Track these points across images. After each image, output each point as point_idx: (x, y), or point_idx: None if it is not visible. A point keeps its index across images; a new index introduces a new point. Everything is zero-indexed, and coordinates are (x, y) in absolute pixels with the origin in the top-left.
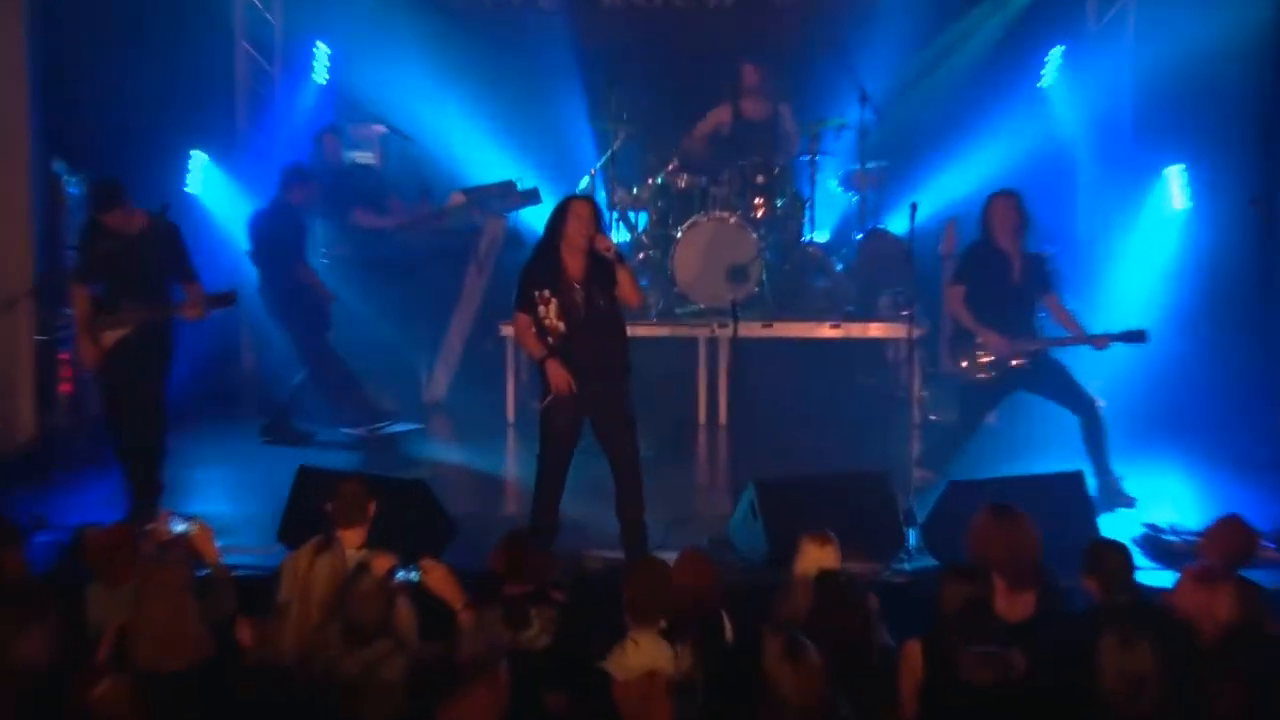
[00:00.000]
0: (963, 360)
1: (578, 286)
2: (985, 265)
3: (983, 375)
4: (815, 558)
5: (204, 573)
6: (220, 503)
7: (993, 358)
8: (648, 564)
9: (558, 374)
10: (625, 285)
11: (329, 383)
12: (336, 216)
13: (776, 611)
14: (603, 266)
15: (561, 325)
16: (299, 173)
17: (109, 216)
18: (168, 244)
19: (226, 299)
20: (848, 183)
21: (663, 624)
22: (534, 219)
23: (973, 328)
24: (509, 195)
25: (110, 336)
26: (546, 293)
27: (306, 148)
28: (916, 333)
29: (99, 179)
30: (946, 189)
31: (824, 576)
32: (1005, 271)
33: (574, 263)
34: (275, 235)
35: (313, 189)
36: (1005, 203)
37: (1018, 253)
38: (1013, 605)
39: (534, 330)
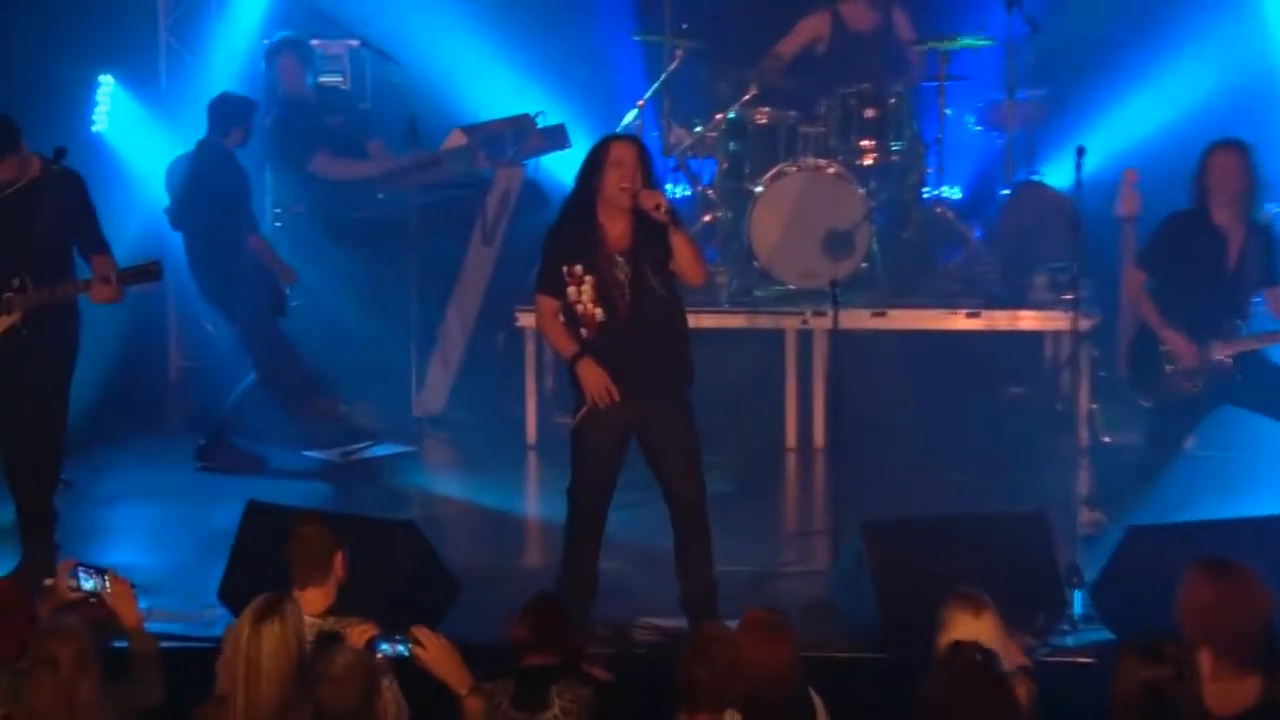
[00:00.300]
0: (1162, 367)
1: (621, 260)
2: (1190, 244)
3: (1188, 385)
4: (967, 630)
5: (120, 645)
6: (142, 551)
7: (1192, 366)
8: (710, 635)
9: (594, 378)
10: (683, 256)
11: (286, 389)
12: (293, 163)
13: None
14: (654, 233)
15: (599, 313)
16: (234, 106)
17: None
18: (69, 201)
19: (148, 271)
20: (990, 119)
21: (733, 716)
22: (561, 168)
23: (1155, 326)
24: (526, 135)
25: None
26: (579, 268)
27: (254, 72)
28: (1085, 324)
29: None
30: (1125, 128)
31: (955, 653)
32: (1219, 254)
33: (616, 228)
34: (207, 189)
35: (252, 128)
36: (1227, 158)
37: (1239, 228)
38: (1228, 693)
39: (562, 319)
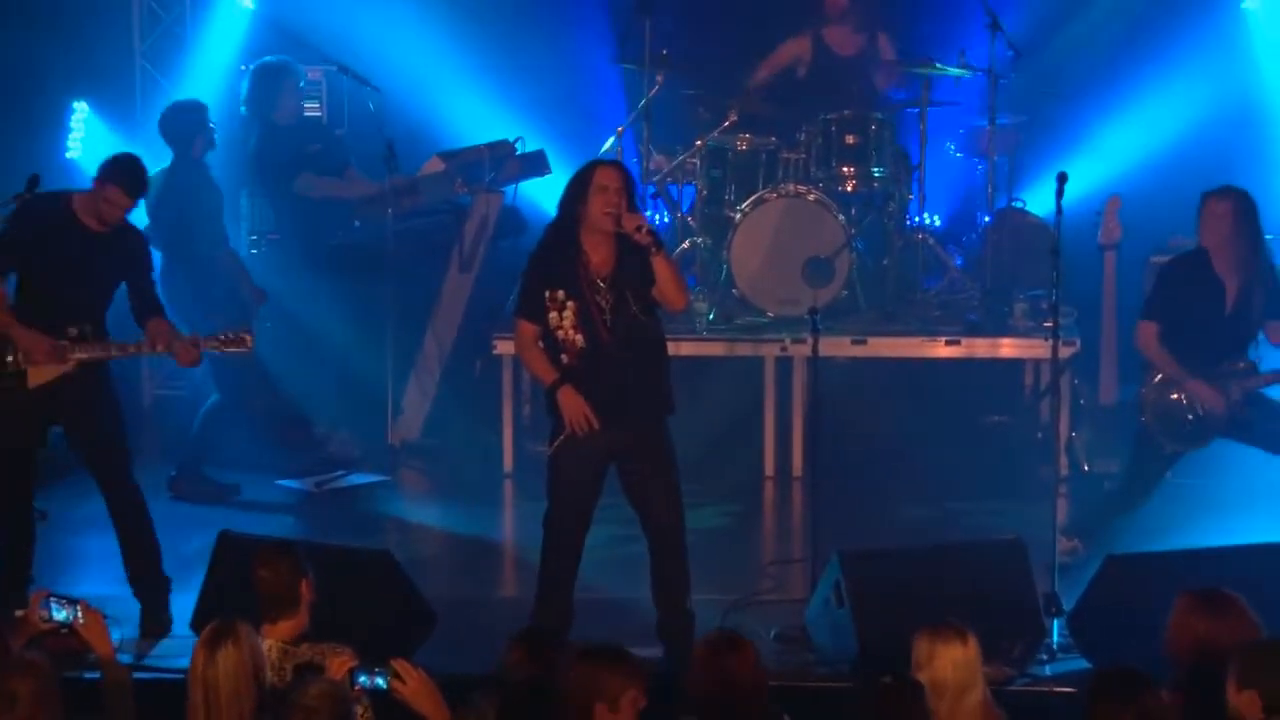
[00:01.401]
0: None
1: (603, 285)
2: (1188, 290)
3: (1216, 429)
4: (952, 659)
5: (92, 676)
6: (114, 582)
7: (1219, 412)
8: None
9: (574, 406)
10: (664, 280)
11: (256, 415)
12: (273, 186)
13: None
14: (637, 259)
15: (580, 339)
16: (184, 115)
17: (88, 202)
18: (136, 256)
19: (240, 340)
20: (971, 145)
21: None
22: (541, 194)
23: (1176, 376)
24: (506, 161)
25: (40, 374)
26: (561, 294)
27: (230, 97)
28: (1065, 352)
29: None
30: (1107, 155)
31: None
32: (1216, 299)
33: (599, 253)
34: (177, 205)
35: (211, 130)
36: (1218, 206)
37: (1237, 273)
38: None
39: (542, 345)
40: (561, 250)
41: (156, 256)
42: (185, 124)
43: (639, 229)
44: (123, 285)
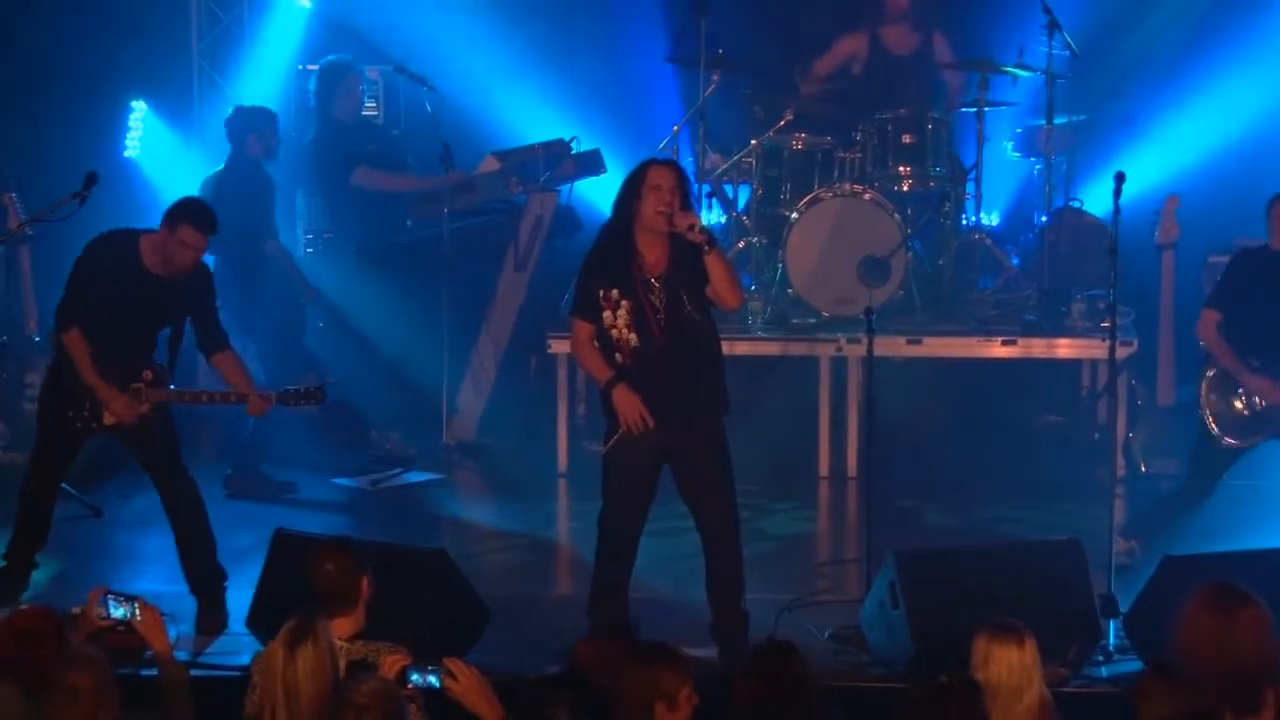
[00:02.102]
0: (1230, 402)
1: (657, 285)
2: (1254, 281)
3: (1231, 441)
4: (1010, 661)
5: (149, 673)
6: (171, 580)
7: (1260, 409)
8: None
9: (629, 404)
10: (719, 279)
11: (312, 412)
12: (329, 182)
13: None
14: (691, 258)
15: (634, 338)
16: (245, 114)
17: (157, 246)
18: (200, 293)
19: (312, 395)
20: (1028, 145)
21: None
22: (596, 193)
23: (1231, 367)
24: (561, 160)
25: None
26: (615, 293)
27: (288, 96)
28: (1123, 352)
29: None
30: (1165, 153)
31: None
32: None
33: (653, 252)
34: (232, 201)
35: (271, 134)
36: None
37: None
38: None
39: (597, 345)
40: (615, 250)
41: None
42: (243, 121)
43: (691, 228)
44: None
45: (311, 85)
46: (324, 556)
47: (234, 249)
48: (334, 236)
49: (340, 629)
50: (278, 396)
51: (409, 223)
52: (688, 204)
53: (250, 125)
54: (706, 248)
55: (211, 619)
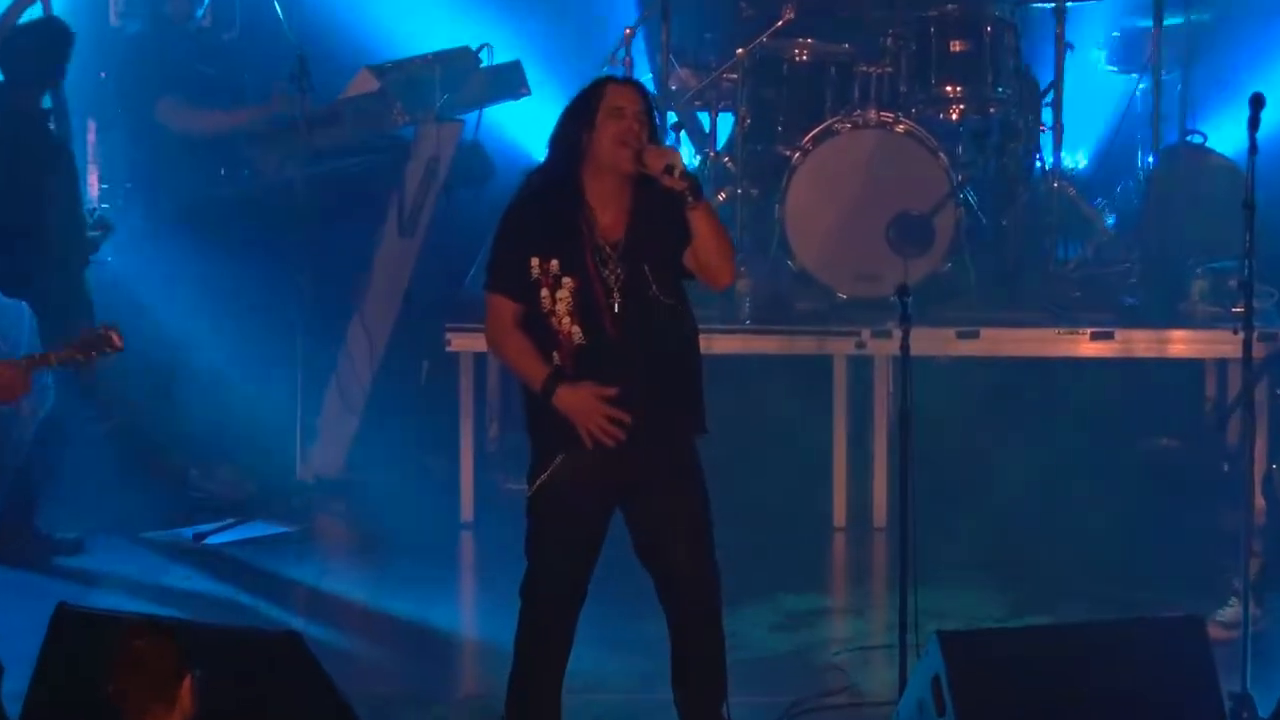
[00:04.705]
0: None
1: (613, 254)
2: None
3: None
4: None
5: None
6: None
7: None
8: None
9: (587, 406)
10: (707, 243)
11: (108, 437)
12: (132, 113)
13: None
14: (662, 215)
15: (578, 330)
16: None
17: None
18: None
19: (103, 341)
20: (1128, 55)
21: None
22: (516, 124)
23: None
24: (466, 78)
25: None
26: (554, 264)
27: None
28: (1263, 349)
29: None
30: None
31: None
32: None
33: (609, 208)
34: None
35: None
36: None
37: None
38: None
39: (525, 334)
40: (555, 203)
41: None
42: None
43: (670, 170)
44: None
45: None
46: (130, 635)
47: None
48: (137, 189)
49: None
50: (54, 357)
51: (246, 171)
52: (658, 138)
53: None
54: (690, 199)
55: None
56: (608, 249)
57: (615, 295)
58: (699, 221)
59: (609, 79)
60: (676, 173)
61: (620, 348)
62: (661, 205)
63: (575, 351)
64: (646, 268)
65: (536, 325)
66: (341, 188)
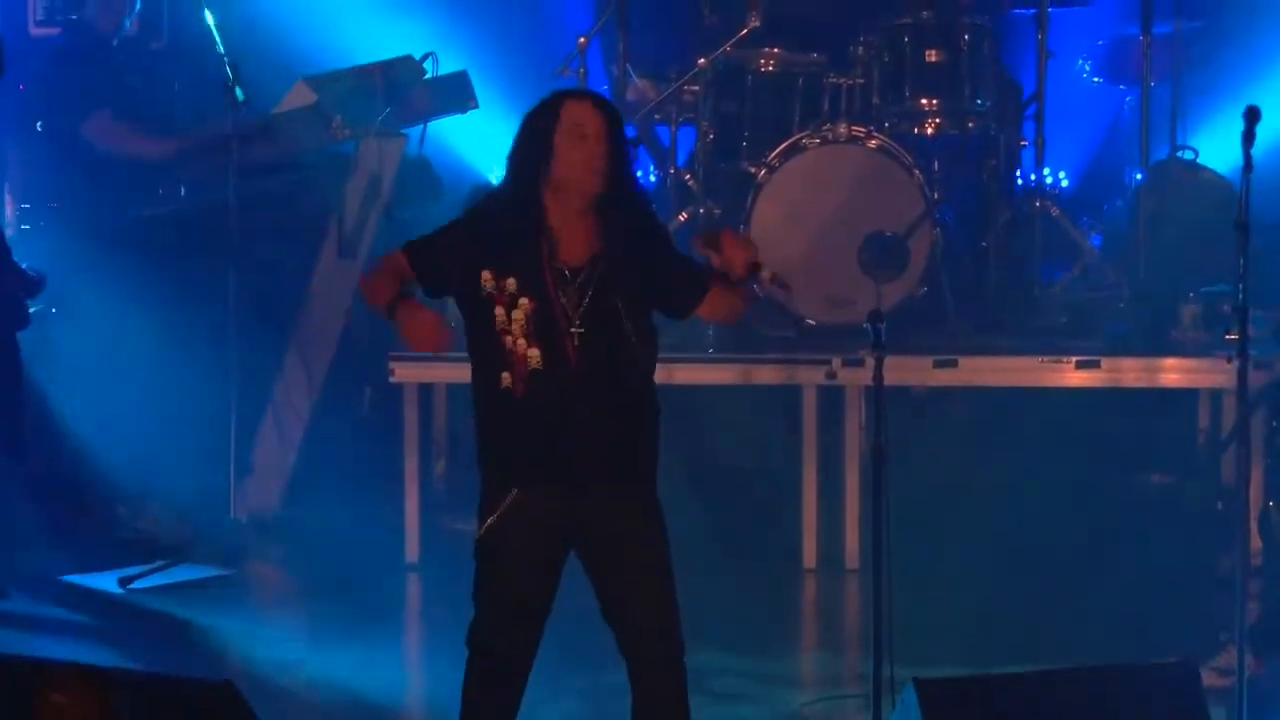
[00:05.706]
0: None
1: (575, 279)
2: None
3: None
4: None
5: None
6: None
7: None
8: None
9: (422, 321)
10: (735, 307)
11: (28, 473)
12: (56, 127)
13: None
14: (637, 238)
15: (535, 354)
16: None
17: None
18: None
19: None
20: (1115, 66)
21: None
22: (461, 139)
23: None
24: (409, 89)
25: None
26: (511, 283)
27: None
28: (1259, 378)
29: None
30: None
31: None
32: None
33: (573, 230)
34: None
35: None
36: None
37: None
38: None
39: (406, 284)
40: (514, 221)
41: None
42: None
43: (756, 267)
44: None
45: None
46: (52, 685)
47: None
48: (63, 208)
49: None
50: None
51: (182, 190)
52: (629, 164)
53: None
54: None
55: None
56: (568, 273)
57: (577, 321)
58: (737, 294)
59: (566, 94)
60: (765, 275)
61: (580, 377)
62: (636, 234)
63: (529, 374)
64: (619, 301)
65: (487, 342)
66: (276, 207)
